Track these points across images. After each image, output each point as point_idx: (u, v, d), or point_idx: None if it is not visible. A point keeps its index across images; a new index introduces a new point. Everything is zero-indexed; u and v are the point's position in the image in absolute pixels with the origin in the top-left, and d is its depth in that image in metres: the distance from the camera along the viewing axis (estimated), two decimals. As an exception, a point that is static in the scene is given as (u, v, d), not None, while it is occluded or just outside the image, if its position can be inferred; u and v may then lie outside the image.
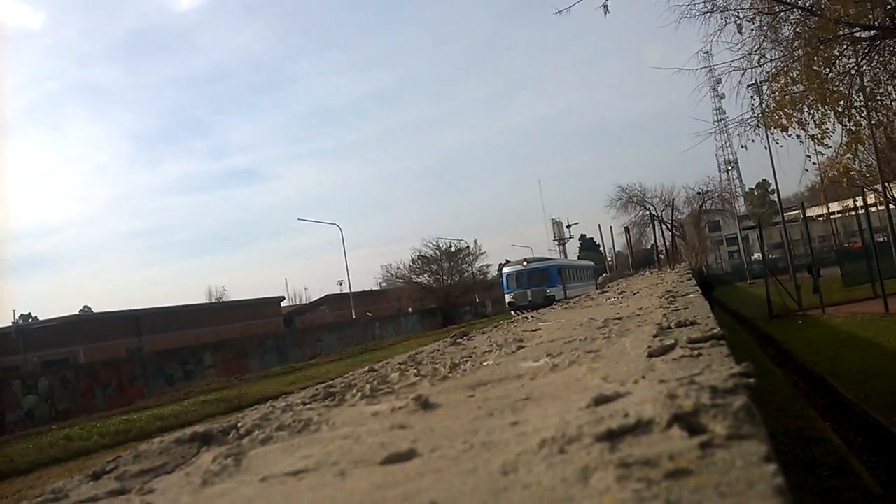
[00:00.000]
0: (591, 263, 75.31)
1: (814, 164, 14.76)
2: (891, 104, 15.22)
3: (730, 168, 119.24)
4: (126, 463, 1.90)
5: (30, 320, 67.14)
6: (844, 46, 13.44)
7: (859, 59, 13.64)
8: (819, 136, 13.92)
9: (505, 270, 52.40)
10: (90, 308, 70.11)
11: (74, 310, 69.67)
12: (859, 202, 27.74)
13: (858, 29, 13.15)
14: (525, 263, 50.18)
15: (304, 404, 2.58)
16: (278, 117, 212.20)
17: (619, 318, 4.19)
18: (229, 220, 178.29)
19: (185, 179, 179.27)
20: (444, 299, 74.04)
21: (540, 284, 47.42)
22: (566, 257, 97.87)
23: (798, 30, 13.83)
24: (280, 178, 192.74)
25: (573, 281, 53.68)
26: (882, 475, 7.67)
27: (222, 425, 2.18)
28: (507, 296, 49.82)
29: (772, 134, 14.90)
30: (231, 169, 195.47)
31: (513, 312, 38.53)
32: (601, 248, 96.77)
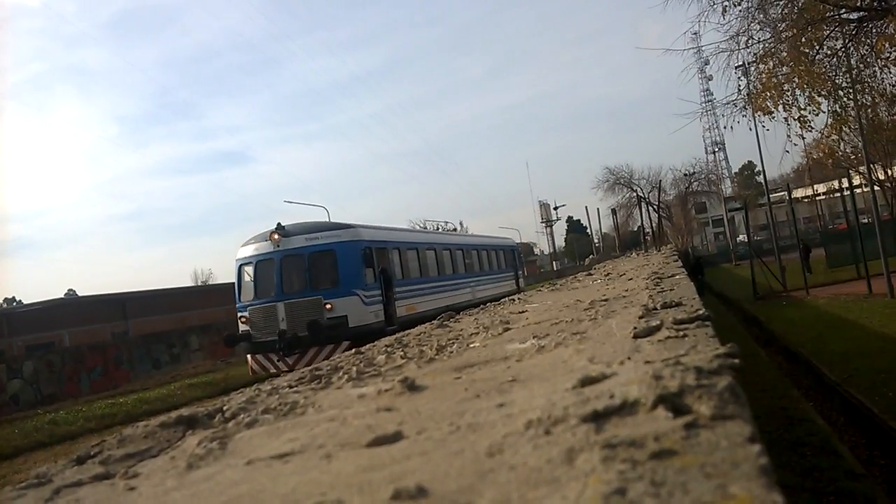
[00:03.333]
0: (510, 242, 44.07)
1: (795, 145, 14.82)
2: (877, 86, 15.28)
3: (717, 150, 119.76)
4: (111, 447, 1.89)
5: (14, 304, 66.75)
6: (832, 28, 13.45)
7: (846, 41, 13.66)
8: (803, 118, 13.95)
9: (239, 255, 22.01)
10: (75, 291, 69.62)
11: (59, 293, 69.25)
12: (844, 184, 27.88)
13: (846, 10, 13.16)
14: (276, 237, 20.81)
15: (290, 387, 2.58)
16: (265, 99, 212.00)
17: (606, 300, 4.20)
18: (216, 202, 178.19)
19: (171, 162, 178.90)
20: (430, 282, 73.47)
21: (310, 290, 20.24)
22: (553, 240, 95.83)
23: (785, 10, 13.83)
24: (267, 160, 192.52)
25: (438, 278, 26.94)
26: (863, 454, 7.77)
27: (208, 409, 2.18)
28: (239, 315, 21.51)
29: (758, 116, 14.95)
30: (218, 151, 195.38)
31: (250, 362, 20.76)
32: (588, 230, 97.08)
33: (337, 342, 18.54)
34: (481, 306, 6.31)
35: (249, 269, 21.31)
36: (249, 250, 21.59)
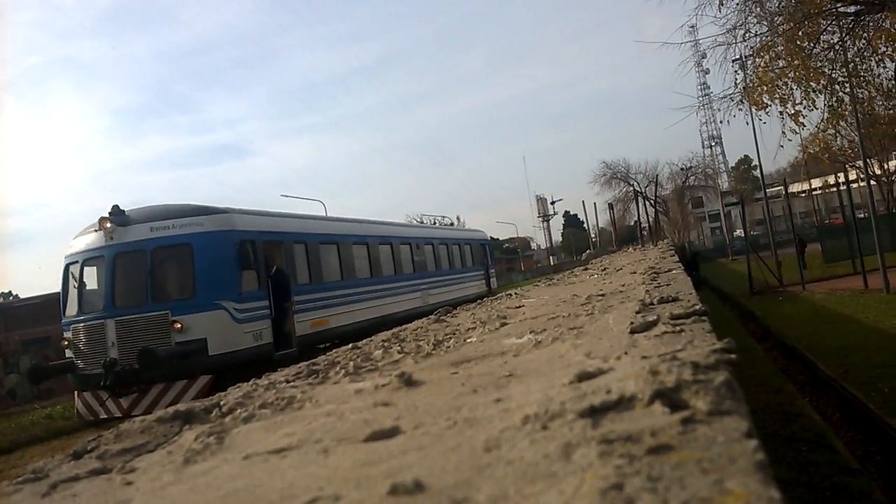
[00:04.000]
0: (481, 234, 37.63)
1: (790, 140, 14.86)
2: (873, 80, 15.30)
3: (713, 144, 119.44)
4: (107, 442, 1.89)
5: (10, 298, 66.56)
6: (829, 22, 13.46)
7: (843, 35, 13.67)
8: (796, 113, 13.97)
9: (67, 251, 15.94)
10: (72, 286, 69.28)
11: (56, 288, 69.06)
12: (841, 178, 27.90)
13: (843, 4, 13.17)
14: (109, 226, 14.88)
15: (288, 382, 2.58)
16: (263, 92, 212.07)
17: (603, 295, 4.20)
18: (213, 195, 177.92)
19: (168, 155, 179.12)
20: (427, 276, 72.89)
21: (153, 302, 14.47)
22: (550, 235, 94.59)
23: (782, 4, 13.84)
24: (264, 154, 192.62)
25: (369, 281, 20.92)
26: (859, 449, 7.79)
27: (205, 403, 2.17)
28: (65, 334, 15.48)
29: (754, 110, 14.99)
30: (214, 145, 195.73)
31: (76, 402, 15.27)
32: (585, 225, 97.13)
33: (191, 376, 13.87)
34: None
35: (76, 271, 15.46)
36: (79, 244, 15.65)
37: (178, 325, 14.02)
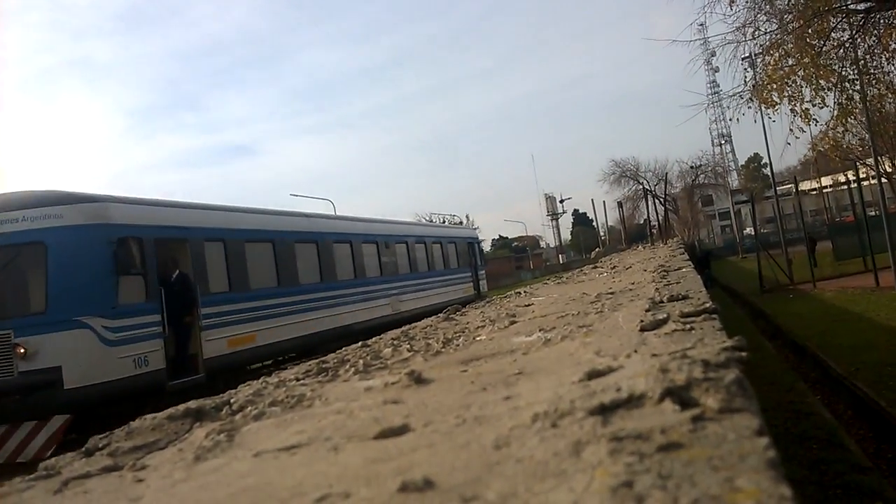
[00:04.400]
0: (468, 232, 34.81)
1: (797, 138, 14.83)
2: (884, 78, 15.22)
3: (723, 142, 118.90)
4: (119, 439, 1.90)
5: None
6: (839, 19, 13.40)
7: (854, 32, 13.60)
8: (806, 111, 13.92)
9: None
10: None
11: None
12: (851, 176, 27.76)
13: (853, 1, 13.11)
14: None
15: (297, 380, 2.59)
16: (272, 92, 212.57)
17: (612, 293, 4.19)
18: (223, 195, 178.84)
19: (178, 155, 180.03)
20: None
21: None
22: (559, 233, 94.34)
23: (792, 1, 13.79)
24: (274, 153, 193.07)
25: (316, 287, 17.28)
26: (870, 447, 7.75)
27: (215, 401, 2.18)
28: None
29: (764, 108, 14.94)
30: (224, 144, 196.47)
31: None
32: (594, 223, 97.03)
33: (41, 417, 10.86)
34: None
35: None
36: None
37: (22, 350, 10.84)
